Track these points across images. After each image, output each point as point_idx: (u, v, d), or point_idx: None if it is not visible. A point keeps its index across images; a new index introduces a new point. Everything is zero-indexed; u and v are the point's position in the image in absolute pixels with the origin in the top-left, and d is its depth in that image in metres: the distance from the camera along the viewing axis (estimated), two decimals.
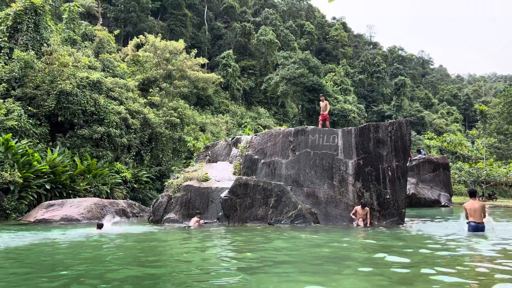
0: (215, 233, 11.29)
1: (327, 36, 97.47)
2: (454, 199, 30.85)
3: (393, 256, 7.02)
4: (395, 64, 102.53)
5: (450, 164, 34.13)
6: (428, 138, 48.17)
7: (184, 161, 29.92)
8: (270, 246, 8.48)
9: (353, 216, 12.85)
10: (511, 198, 45.51)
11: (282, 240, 9.48)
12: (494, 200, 34.02)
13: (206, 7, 73.68)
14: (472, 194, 10.33)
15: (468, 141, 46.81)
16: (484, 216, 10.05)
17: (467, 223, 10.29)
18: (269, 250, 7.92)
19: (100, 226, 12.25)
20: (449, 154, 47.95)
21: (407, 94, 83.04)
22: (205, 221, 13.73)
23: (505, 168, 36.09)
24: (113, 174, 23.25)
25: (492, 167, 36.04)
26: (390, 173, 13.42)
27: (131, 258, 7.41)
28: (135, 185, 25.08)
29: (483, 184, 37.04)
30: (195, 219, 13.38)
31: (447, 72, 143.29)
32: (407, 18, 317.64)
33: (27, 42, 24.02)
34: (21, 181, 17.15)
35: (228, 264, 6.66)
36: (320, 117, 17.76)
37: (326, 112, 17.70)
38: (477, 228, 10.03)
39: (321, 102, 18.14)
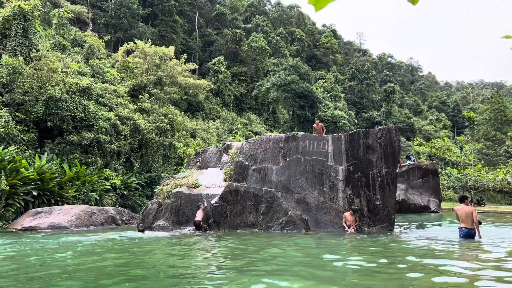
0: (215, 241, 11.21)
1: (317, 43, 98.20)
2: (444, 205, 31.06)
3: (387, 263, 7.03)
4: (384, 71, 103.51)
5: (439, 170, 34.45)
6: (417, 144, 48.59)
7: (175, 167, 29.76)
8: (258, 253, 8.45)
9: (345, 225, 12.82)
10: (499, 203, 46.02)
11: (271, 247, 9.45)
12: (483, 205, 34.35)
13: (197, 13, 73.83)
14: (462, 200, 10.41)
15: (457, 147, 47.33)
16: (475, 222, 10.10)
17: (459, 228, 10.38)
18: (256, 257, 7.89)
19: (141, 231, 13.15)
20: (438, 160, 48.40)
21: (397, 101, 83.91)
22: (207, 228, 13.62)
23: (493, 174, 36.52)
24: (102, 180, 23.02)
25: (480, 173, 36.44)
26: (379, 179, 13.50)
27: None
28: (125, 192, 24.85)
29: (471, 190, 37.40)
30: (200, 212, 13.41)
31: (436, 79, 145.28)
32: (396, 26, 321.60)
33: (15, 47, 23.78)
34: (8, 188, 16.89)
35: (219, 269, 6.62)
36: None
37: (323, 132, 18.48)
38: (469, 234, 10.12)
39: (315, 125, 18.89)
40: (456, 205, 11.14)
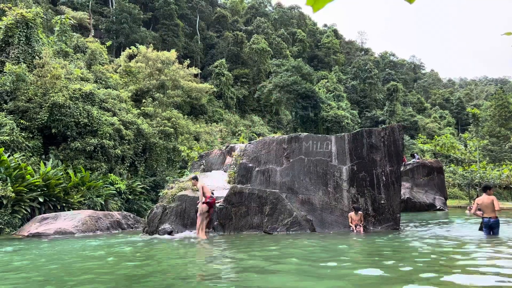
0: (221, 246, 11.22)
1: (319, 43, 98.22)
2: (449, 202, 30.97)
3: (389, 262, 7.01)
4: (387, 69, 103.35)
5: (444, 167, 34.31)
6: (422, 142, 48.42)
7: (179, 171, 29.82)
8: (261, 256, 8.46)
9: (351, 225, 12.83)
10: (506, 200, 45.75)
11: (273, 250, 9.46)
12: None
13: (198, 17, 74.10)
14: (484, 190, 10.48)
15: (461, 144, 47.13)
16: (497, 210, 10.06)
17: (482, 218, 10.54)
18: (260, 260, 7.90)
19: (170, 232, 13.36)
20: (443, 157, 48.22)
21: (400, 99, 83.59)
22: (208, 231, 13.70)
23: (498, 171, 36.33)
24: (107, 185, 23.09)
25: (485, 170, 36.27)
26: (384, 178, 13.47)
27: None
28: (130, 196, 24.92)
29: (477, 187, 37.23)
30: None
31: (439, 76, 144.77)
32: (398, 24, 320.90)
33: (18, 55, 23.94)
34: (14, 195, 16.99)
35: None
36: None
37: None
38: (488, 222, 10.23)
39: None
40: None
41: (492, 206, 10.03)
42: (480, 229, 10.81)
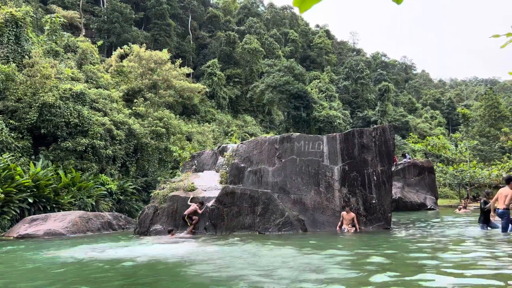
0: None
1: (311, 44, 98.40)
2: (440, 201, 31.22)
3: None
4: (378, 70, 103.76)
5: (435, 167, 34.56)
6: (413, 142, 48.74)
7: (171, 171, 29.69)
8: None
9: (339, 225, 12.92)
10: None
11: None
12: (479, 201, 34.41)
13: (190, 16, 73.86)
14: (508, 181, 10.67)
15: (452, 144, 47.51)
16: (505, 203, 10.46)
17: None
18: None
19: (170, 231, 13.37)
20: (434, 157, 48.56)
21: (391, 99, 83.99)
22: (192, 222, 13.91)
23: (488, 170, 36.69)
24: (98, 186, 22.89)
25: (475, 170, 36.61)
26: (375, 178, 13.54)
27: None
28: (121, 197, 24.74)
29: (467, 186, 37.58)
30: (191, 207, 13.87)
31: (430, 76, 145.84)
32: (387, 24, 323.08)
33: (8, 54, 23.65)
34: (3, 196, 16.79)
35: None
36: None
37: None
38: (497, 213, 10.76)
39: None
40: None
41: (505, 198, 10.38)
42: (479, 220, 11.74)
